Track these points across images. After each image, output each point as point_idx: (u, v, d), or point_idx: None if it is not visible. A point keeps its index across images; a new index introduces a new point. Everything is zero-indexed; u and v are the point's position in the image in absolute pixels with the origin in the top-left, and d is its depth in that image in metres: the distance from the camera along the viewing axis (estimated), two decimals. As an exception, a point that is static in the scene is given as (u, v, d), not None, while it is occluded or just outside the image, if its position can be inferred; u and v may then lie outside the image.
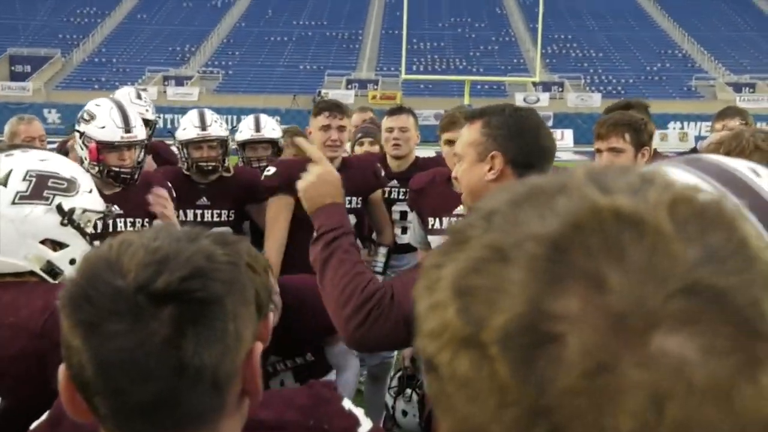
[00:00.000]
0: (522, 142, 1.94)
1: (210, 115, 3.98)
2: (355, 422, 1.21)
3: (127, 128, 3.19)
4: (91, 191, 1.85)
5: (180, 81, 41.32)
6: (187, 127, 3.92)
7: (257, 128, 4.46)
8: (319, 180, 1.95)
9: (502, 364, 0.40)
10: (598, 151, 3.22)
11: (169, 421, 0.86)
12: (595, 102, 37.42)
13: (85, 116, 3.22)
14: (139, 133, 3.25)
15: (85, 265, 0.86)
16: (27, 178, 1.73)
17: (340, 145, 3.66)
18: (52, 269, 1.73)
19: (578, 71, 42.96)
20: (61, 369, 0.87)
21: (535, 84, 37.68)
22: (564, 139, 29.59)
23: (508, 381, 0.40)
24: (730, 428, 0.39)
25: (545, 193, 0.44)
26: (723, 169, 0.79)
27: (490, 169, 1.94)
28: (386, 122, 4.28)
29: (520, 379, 0.40)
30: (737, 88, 39.64)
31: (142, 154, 3.26)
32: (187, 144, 3.88)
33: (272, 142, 4.47)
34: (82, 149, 3.21)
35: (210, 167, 3.87)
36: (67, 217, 1.77)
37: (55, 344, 0.97)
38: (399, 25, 34.22)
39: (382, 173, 3.97)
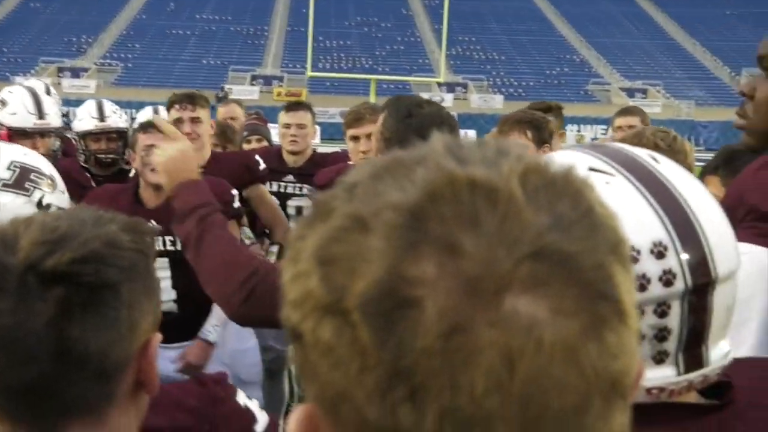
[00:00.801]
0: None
1: (109, 106, 3.84)
2: (252, 419, 1.18)
3: (40, 115, 3.09)
4: (64, 192, 1.83)
5: (76, 73, 39.86)
6: (85, 118, 3.75)
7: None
8: (180, 155, 1.86)
9: (362, 329, 0.42)
10: None
11: (51, 407, 0.82)
12: (497, 103, 38.37)
13: None
14: (53, 120, 3.16)
15: None
16: (11, 167, 1.72)
17: (197, 138, 3.45)
18: None
19: (481, 73, 43.95)
20: None
21: (439, 84, 38.28)
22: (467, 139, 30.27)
23: (369, 345, 0.41)
24: (578, 384, 0.41)
25: (404, 165, 0.45)
26: (624, 154, 0.86)
27: None
28: (283, 118, 4.24)
29: (380, 342, 0.41)
30: (630, 93, 41.47)
31: (57, 142, 3.19)
32: (84, 136, 3.71)
33: (120, 133, 3.81)
34: None
35: (109, 160, 3.73)
36: (44, 211, 1.72)
37: None
38: (305, 22, 34.07)
39: (262, 166, 3.76)
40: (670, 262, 0.78)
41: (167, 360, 1.20)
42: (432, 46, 45.90)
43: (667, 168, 0.84)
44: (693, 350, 0.81)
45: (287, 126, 4.17)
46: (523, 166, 0.44)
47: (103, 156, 3.71)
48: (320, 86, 38.77)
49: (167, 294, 2.95)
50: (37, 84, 4.15)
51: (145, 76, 40.25)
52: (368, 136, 3.30)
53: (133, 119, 4.32)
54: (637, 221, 0.79)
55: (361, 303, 0.42)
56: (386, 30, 49.34)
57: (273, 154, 4.21)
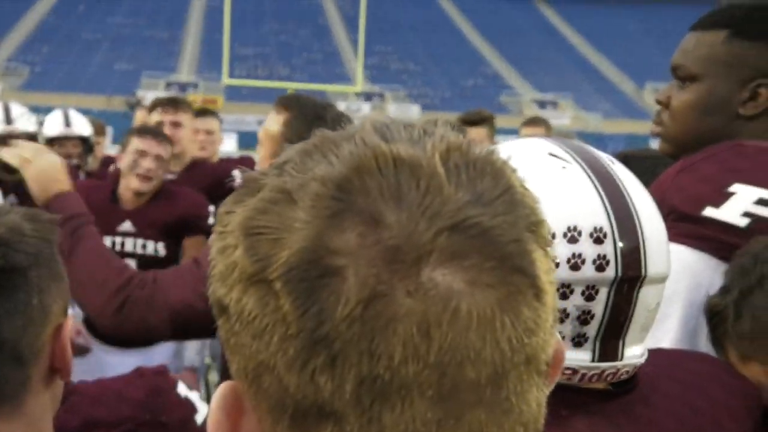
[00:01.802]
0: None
1: (16, 108, 3.74)
2: (192, 410, 1.20)
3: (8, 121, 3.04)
4: None
5: (-22, 76, 38.18)
6: (-10, 123, 3.66)
7: (67, 123, 4.19)
8: (50, 166, 1.83)
9: (285, 298, 0.42)
10: None
11: None
12: (413, 113, 38.78)
13: None
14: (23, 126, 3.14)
15: None
16: None
17: (176, 142, 3.47)
18: None
19: (398, 83, 44.36)
20: None
21: (357, 94, 38.46)
22: (384, 148, 30.49)
23: (291, 314, 0.42)
24: (493, 357, 0.42)
25: (333, 142, 0.47)
26: (585, 150, 0.94)
27: None
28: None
29: (301, 311, 0.42)
30: (542, 104, 42.63)
31: None
32: None
33: (82, 139, 4.22)
34: None
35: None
36: None
37: None
38: (221, 28, 33.67)
39: (237, 181, 3.94)
40: (607, 248, 0.84)
41: (129, 366, 1.23)
42: (349, 56, 46.08)
43: (620, 169, 0.91)
44: (610, 341, 0.87)
45: (196, 132, 4.18)
46: (445, 145, 0.45)
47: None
48: (237, 94, 38.30)
49: None
50: None
51: (54, 81, 38.87)
52: None
53: (41, 123, 4.22)
54: (584, 205, 0.85)
55: (285, 272, 0.42)
56: (303, 38, 49.25)
57: None
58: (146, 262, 2.92)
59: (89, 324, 2.88)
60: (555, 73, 47.97)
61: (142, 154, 2.98)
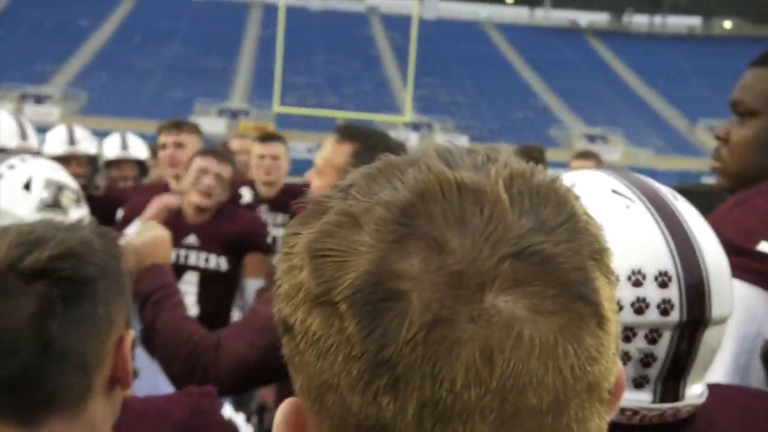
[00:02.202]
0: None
1: (79, 131, 3.89)
2: None
3: (23, 136, 3.22)
4: (83, 201, 1.91)
5: (40, 99, 39.40)
6: (54, 143, 3.80)
7: (124, 146, 4.41)
8: (154, 241, 1.94)
9: (350, 320, 0.43)
10: None
11: (32, 399, 0.86)
12: (462, 143, 38.76)
13: None
14: (34, 143, 3.26)
15: None
16: (48, 186, 1.77)
17: (178, 163, 3.61)
18: None
19: (446, 114, 44.48)
20: None
21: (405, 124, 38.66)
22: (431, 179, 30.46)
23: (355, 335, 0.43)
24: (555, 383, 0.42)
25: (397, 167, 0.48)
26: (648, 185, 0.93)
27: None
28: (257, 149, 4.33)
29: (365, 333, 0.43)
30: (591, 138, 42.24)
31: None
32: (53, 160, 3.75)
33: (138, 162, 4.39)
34: None
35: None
36: None
37: None
38: (273, 58, 34.27)
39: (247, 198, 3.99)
40: (671, 292, 0.83)
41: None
42: (398, 86, 46.41)
43: (684, 207, 0.90)
44: (672, 382, 0.86)
45: (261, 157, 4.23)
46: (509, 171, 0.46)
47: (71, 181, 3.74)
48: (287, 122, 38.84)
49: (191, 309, 3.03)
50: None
51: (111, 106, 39.94)
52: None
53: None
54: (649, 248, 0.84)
55: (350, 294, 0.43)
56: (353, 69, 49.81)
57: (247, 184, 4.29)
58: (209, 275, 3.04)
59: (146, 343, 2.95)
60: (605, 108, 47.58)
61: (203, 171, 3.12)
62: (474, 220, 0.43)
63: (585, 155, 4.91)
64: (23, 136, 3.20)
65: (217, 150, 3.51)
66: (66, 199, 1.79)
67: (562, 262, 0.43)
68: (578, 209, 0.47)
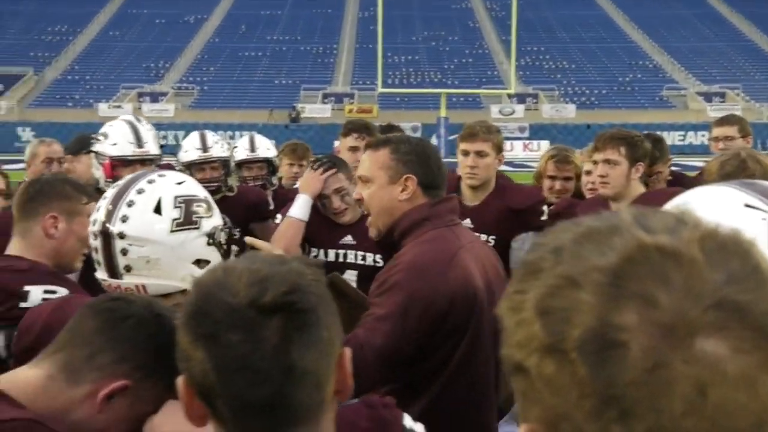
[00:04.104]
0: (428, 167, 2.24)
1: (211, 137, 4.06)
2: None
3: (139, 144, 3.30)
4: (215, 209, 1.98)
5: (155, 97, 41.19)
6: (189, 149, 3.99)
7: (252, 148, 4.60)
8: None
9: (580, 366, 0.54)
10: (595, 162, 3.34)
11: (281, 418, 0.97)
12: (569, 113, 37.86)
13: (99, 137, 3.42)
14: (151, 148, 3.40)
15: (197, 288, 0.99)
16: (177, 204, 1.84)
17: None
18: None
19: (552, 83, 43.46)
20: (180, 380, 0.98)
21: (510, 96, 38.04)
22: (540, 149, 29.86)
23: (586, 378, 0.53)
24: (756, 409, 0.52)
25: (601, 233, 0.58)
26: None
27: (403, 190, 2.20)
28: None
29: (594, 376, 0.53)
30: (707, 97, 40.33)
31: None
32: (189, 165, 3.95)
33: (267, 161, 4.56)
34: (97, 169, 3.37)
35: (212, 188, 3.92)
36: (212, 237, 1.90)
37: None
38: (373, 39, 34.38)
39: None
40: None
41: None
42: (500, 58, 45.68)
43: None
44: None
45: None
46: (700, 232, 0.56)
47: (206, 184, 3.89)
48: (390, 102, 39.03)
49: None
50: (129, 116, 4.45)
51: (221, 98, 41.30)
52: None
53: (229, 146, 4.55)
54: None
55: (578, 345, 0.54)
56: (454, 43, 49.35)
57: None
58: (366, 272, 3.08)
59: None
60: (721, 64, 45.24)
61: (340, 189, 3.21)
62: (675, 277, 0.53)
63: (726, 121, 4.40)
64: (139, 143, 3.37)
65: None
66: (196, 212, 1.86)
67: (753, 308, 0.52)
68: (760, 258, 0.56)
